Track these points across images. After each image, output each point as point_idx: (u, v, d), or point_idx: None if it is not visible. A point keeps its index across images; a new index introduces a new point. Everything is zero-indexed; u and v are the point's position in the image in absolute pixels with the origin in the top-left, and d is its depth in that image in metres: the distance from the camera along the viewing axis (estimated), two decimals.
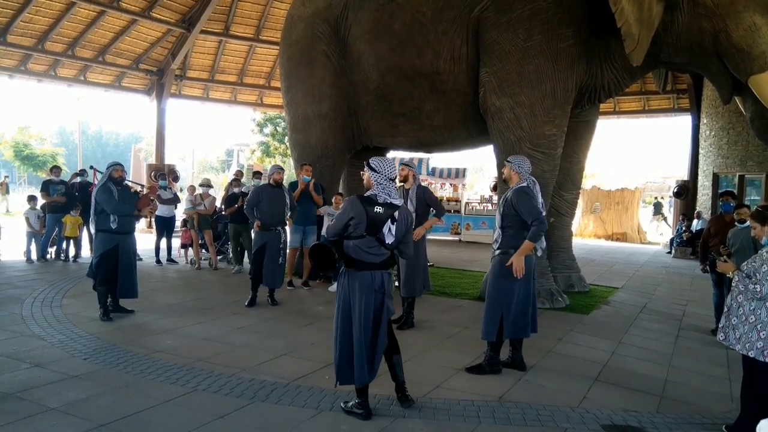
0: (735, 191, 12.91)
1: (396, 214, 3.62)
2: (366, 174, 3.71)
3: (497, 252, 4.67)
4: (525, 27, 7.07)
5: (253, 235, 7.53)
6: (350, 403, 3.73)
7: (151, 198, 6.84)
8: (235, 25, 15.91)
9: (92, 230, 6.32)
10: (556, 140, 7.29)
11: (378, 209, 3.57)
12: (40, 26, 13.13)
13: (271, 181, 7.16)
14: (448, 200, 16.34)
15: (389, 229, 3.60)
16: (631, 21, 6.29)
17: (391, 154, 12.89)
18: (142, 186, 7.12)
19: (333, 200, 8.66)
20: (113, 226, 6.01)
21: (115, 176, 6.15)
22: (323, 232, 8.35)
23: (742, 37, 6.14)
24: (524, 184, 4.60)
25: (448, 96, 7.92)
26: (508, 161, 4.74)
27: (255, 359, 4.81)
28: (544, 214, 4.62)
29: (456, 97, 7.88)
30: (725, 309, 3.67)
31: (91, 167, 8.00)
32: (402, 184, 6.27)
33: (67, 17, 13.13)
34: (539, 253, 4.85)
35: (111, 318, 6.04)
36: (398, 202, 3.66)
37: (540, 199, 4.66)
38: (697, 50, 6.61)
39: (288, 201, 7.14)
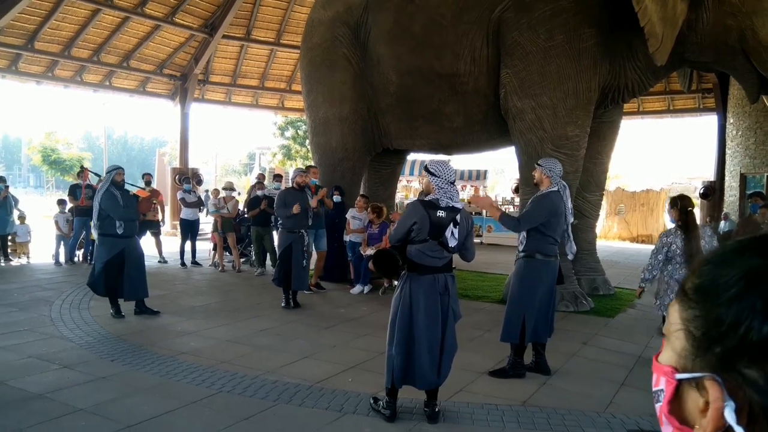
0: (764, 192, 12.62)
1: (458, 217, 3.61)
2: (425, 179, 3.69)
3: (521, 255, 4.64)
4: (546, 27, 7.01)
5: (276, 238, 7.56)
6: (380, 402, 3.73)
7: (153, 201, 6.85)
8: (257, 30, 16.04)
9: (94, 235, 6.33)
10: (579, 141, 7.21)
11: (440, 213, 3.55)
12: (67, 33, 13.39)
13: (294, 185, 7.20)
14: (469, 202, 16.26)
15: (452, 232, 3.58)
16: (655, 20, 6.19)
17: (411, 157, 12.93)
18: (143, 188, 7.16)
19: (356, 203, 8.69)
20: (119, 231, 6.06)
21: (118, 180, 6.19)
22: (346, 236, 8.41)
23: None
24: (555, 189, 4.55)
25: (468, 97, 7.89)
26: (539, 164, 4.69)
27: (278, 361, 4.84)
28: (531, 225, 4.56)
29: (476, 98, 7.84)
30: None
31: (82, 168, 8.07)
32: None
33: (92, 24, 13.36)
34: (569, 257, 4.81)
35: (123, 316, 6.17)
36: (459, 205, 3.65)
37: (570, 204, 4.62)
38: (723, 49, 6.49)
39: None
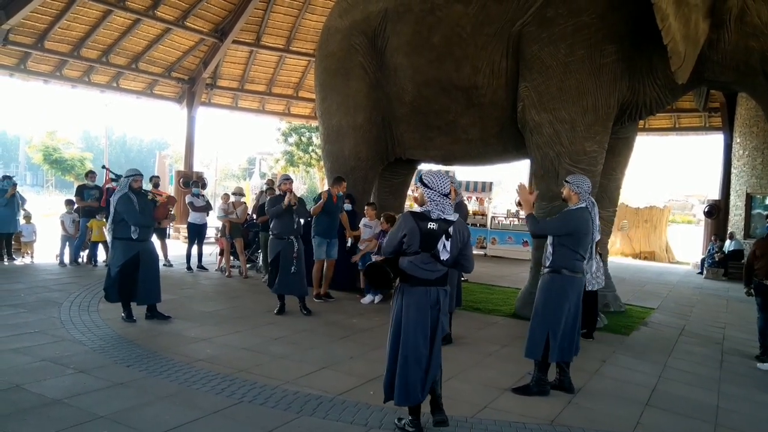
0: None
1: (451, 229, 3.55)
2: (418, 190, 3.65)
3: (547, 270, 4.59)
4: (567, 42, 7.00)
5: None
6: (403, 421, 3.66)
7: (169, 208, 6.81)
8: (267, 36, 16.06)
9: (108, 238, 6.26)
10: (597, 157, 7.18)
11: (431, 225, 3.50)
12: (77, 33, 13.37)
13: (280, 192, 7.14)
14: (474, 214, 16.24)
15: (444, 245, 3.52)
16: (678, 38, 6.20)
17: (421, 167, 12.89)
18: (161, 193, 7.08)
19: (365, 211, 8.64)
20: (134, 236, 6.00)
21: (135, 187, 6.14)
22: (358, 243, 8.34)
23: None
24: (583, 205, 4.52)
25: (485, 110, 7.86)
26: (567, 181, 4.65)
27: (296, 371, 4.76)
28: (549, 233, 4.59)
29: (493, 111, 7.82)
30: None
31: (103, 167, 8.03)
32: None
33: (103, 25, 13.36)
34: (588, 275, 4.77)
35: (135, 320, 6.10)
36: (453, 217, 3.59)
37: (597, 221, 4.59)
38: (744, 69, 6.49)
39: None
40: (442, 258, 3.57)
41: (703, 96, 8.36)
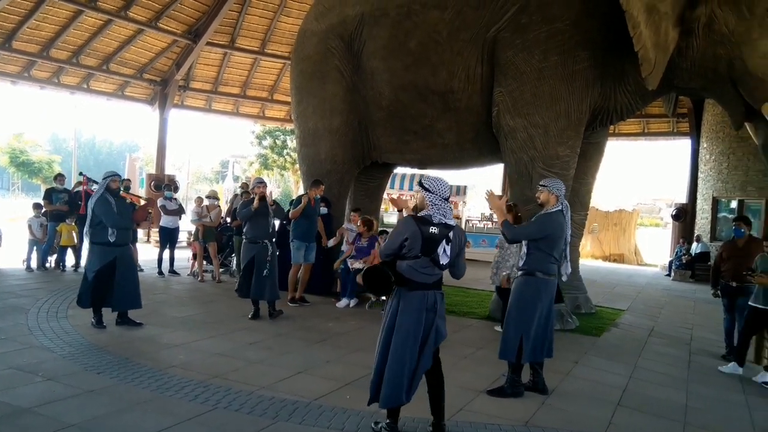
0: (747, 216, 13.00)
1: (451, 234, 3.56)
2: (419, 194, 3.63)
3: (520, 273, 4.65)
4: (541, 48, 7.11)
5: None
6: (380, 425, 3.66)
7: (149, 211, 6.69)
8: (241, 38, 15.93)
9: (86, 242, 6.13)
10: (569, 161, 7.31)
11: (433, 230, 3.50)
12: (46, 33, 13.07)
13: (253, 195, 7.10)
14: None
15: (444, 249, 3.53)
16: (649, 46, 6.35)
17: (397, 170, 12.94)
18: (139, 197, 6.97)
19: (350, 216, 8.64)
20: (111, 239, 5.88)
21: (113, 187, 6.02)
22: (344, 248, 8.32)
23: (757, 65, 6.21)
24: (559, 209, 4.60)
25: (460, 115, 7.94)
26: (543, 185, 4.73)
27: (272, 376, 4.72)
28: (525, 238, 4.65)
29: (469, 116, 7.90)
30: None
31: (81, 174, 7.87)
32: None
33: (73, 25, 13.08)
34: (564, 278, 4.85)
35: (105, 326, 5.97)
36: (453, 222, 3.60)
37: (570, 225, 4.67)
38: (712, 76, 6.68)
39: (271, 212, 7.01)
40: (441, 262, 3.57)
41: (672, 102, 8.56)
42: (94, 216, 5.87)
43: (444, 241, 3.52)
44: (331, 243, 8.48)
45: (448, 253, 3.56)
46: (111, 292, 5.95)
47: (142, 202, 6.62)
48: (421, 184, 3.64)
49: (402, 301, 3.55)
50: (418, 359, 3.55)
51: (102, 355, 5.07)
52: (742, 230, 6.48)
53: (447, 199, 3.60)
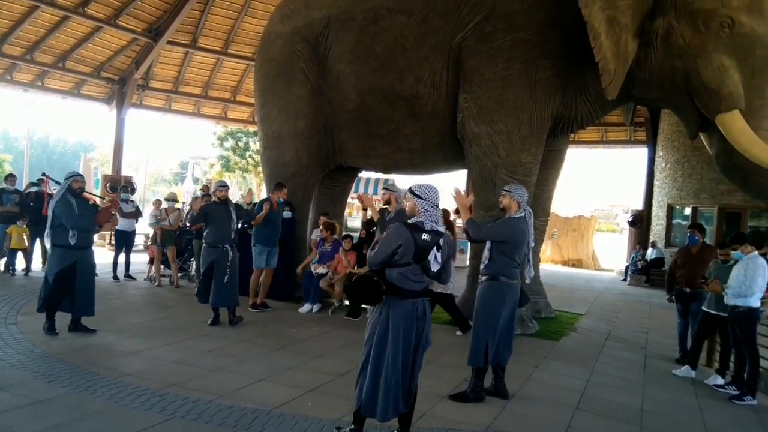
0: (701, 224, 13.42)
1: (441, 241, 3.54)
2: (410, 201, 3.58)
3: (485, 278, 4.68)
4: (505, 57, 7.20)
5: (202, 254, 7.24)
6: (344, 430, 3.61)
7: (112, 212, 6.50)
8: (203, 38, 15.67)
9: (47, 244, 5.93)
10: (531, 168, 7.42)
11: (425, 237, 3.46)
12: None
13: (215, 198, 6.98)
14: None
15: (435, 256, 3.50)
16: (609, 56, 6.49)
17: (361, 174, 12.91)
18: (102, 198, 6.74)
19: (319, 222, 8.56)
20: (72, 241, 5.68)
21: (75, 188, 5.82)
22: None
23: (711, 78, 6.42)
24: (522, 215, 4.66)
25: (426, 120, 7.97)
26: (507, 191, 4.78)
27: (232, 384, 4.62)
28: (488, 238, 4.70)
29: (434, 121, 7.93)
30: None
31: (44, 175, 7.60)
32: (386, 206, 6.25)
33: (28, 21, 12.63)
34: (527, 281, 4.91)
35: (57, 333, 5.74)
36: (443, 229, 3.58)
37: (532, 231, 4.72)
38: (669, 87, 6.87)
39: (234, 217, 6.91)
40: (432, 269, 3.54)
41: (630, 111, 8.78)
42: (54, 217, 5.67)
43: (435, 248, 3.50)
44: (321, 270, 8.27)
45: (440, 260, 3.54)
46: (70, 297, 5.76)
47: (105, 204, 6.40)
48: (412, 191, 3.59)
49: (392, 310, 3.47)
50: (413, 368, 3.53)
51: (53, 363, 4.86)
52: (696, 237, 6.69)
53: (437, 206, 3.57)
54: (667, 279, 7.06)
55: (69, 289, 5.75)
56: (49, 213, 5.73)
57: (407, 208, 3.63)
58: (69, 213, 5.65)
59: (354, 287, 3.61)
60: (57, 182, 6.46)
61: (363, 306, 7.25)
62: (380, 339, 3.49)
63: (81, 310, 5.88)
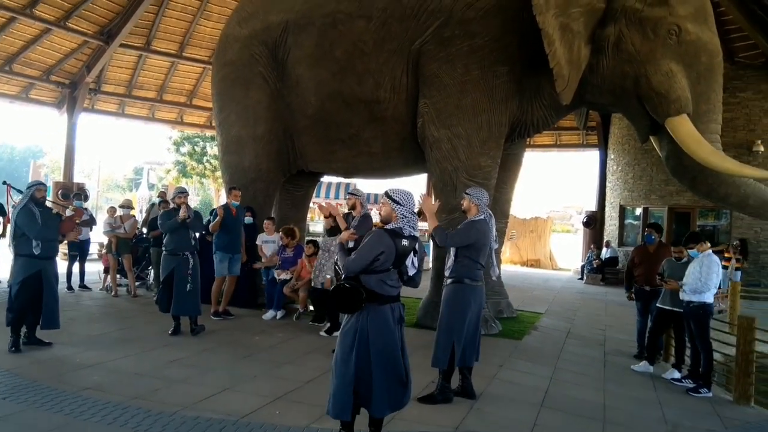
0: (658, 223, 13.91)
1: (416, 246, 3.57)
2: (387, 206, 3.57)
3: (450, 281, 4.74)
4: (463, 62, 7.32)
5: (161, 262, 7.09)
6: None
7: (77, 221, 6.35)
8: (158, 41, 15.35)
9: (11, 254, 5.74)
10: (491, 171, 7.54)
11: (404, 242, 3.48)
12: None
13: (174, 205, 6.87)
14: (377, 226, 16.37)
15: (412, 261, 3.53)
16: (563, 62, 6.67)
17: (323, 179, 12.86)
18: (66, 207, 6.56)
19: (264, 225, 8.46)
20: (36, 251, 5.52)
21: (38, 197, 5.67)
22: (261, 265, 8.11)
23: (660, 83, 6.68)
24: (482, 217, 4.73)
25: (387, 124, 8.01)
26: (467, 194, 4.86)
27: (196, 395, 4.53)
28: (457, 244, 4.73)
29: (395, 125, 7.98)
30: None
31: (5, 182, 7.34)
32: (351, 211, 6.26)
33: None
34: (494, 278, 4.99)
35: (21, 350, 5.52)
36: (418, 234, 3.61)
37: (494, 233, 4.81)
38: (620, 92, 7.11)
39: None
40: (409, 274, 3.57)
41: (583, 116, 9.04)
42: (17, 227, 5.51)
43: (412, 253, 3.54)
44: (258, 265, 8.27)
45: (416, 264, 3.58)
46: (37, 309, 5.58)
47: (69, 212, 6.22)
48: (389, 196, 3.58)
49: (371, 317, 3.44)
50: (406, 367, 3.55)
51: (9, 378, 4.68)
52: (653, 237, 6.93)
53: (414, 212, 3.59)
54: (625, 277, 7.30)
55: (35, 302, 5.58)
56: (12, 223, 5.57)
57: (383, 213, 3.63)
58: (32, 222, 5.48)
59: (334, 296, 3.54)
60: (19, 191, 6.27)
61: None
62: (359, 346, 3.43)
63: (46, 323, 5.68)
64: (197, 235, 7.00)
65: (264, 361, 5.66)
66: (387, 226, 3.55)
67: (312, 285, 7.37)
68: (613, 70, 6.93)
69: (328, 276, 6.97)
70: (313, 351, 6.08)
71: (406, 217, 3.54)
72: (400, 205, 3.55)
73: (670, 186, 13.84)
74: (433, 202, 4.86)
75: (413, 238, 3.55)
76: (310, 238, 9.43)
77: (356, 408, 3.50)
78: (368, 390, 3.45)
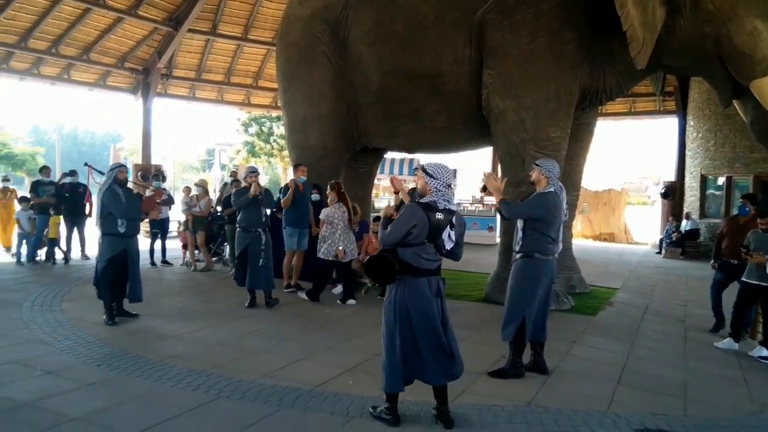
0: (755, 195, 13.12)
1: (454, 219, 3.57)
2: (421, 180, 3.59)
3: (519, 255, 4.66)
4: (528, 30, 7.06)
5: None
6: (379, 408, 3.67)
7: (157, 201, 6.72)
8: (223, 24, 15.69)
9: (97, 234, 6.13)
10: (560, 142, 7.30)
11: (439, 216, 3.49)
12: (24, 23, 12.77)
13: (246, 184, 7.06)
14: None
15: (449, 234, 3.54)
16: (636, 24, 6.31)
17: (387, 155, 12.90)
18: (146, 188, 6.96)
19: (328, 202, 8.55)
20: (122, 230, 5.89)
21: (120, 178, 6.03)
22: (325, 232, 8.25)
23: (744, 42, 6.19)
24: (552, 189, 4.60)
25: (450, 98, 7.89)
26: (537, 164, 4.73)
27: (273, 364, 4.72)
28: (522, 217, 4.66)
29: (458, 99, 7.85)
30: None
31: (86, 164, 7.80)
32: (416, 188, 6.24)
33: (51, 15, 12.79)
34: (555, 255, 4.87)
35: (116, 322, 5.89)
36: (455, 207, 3.60)
37: (565, 207, 4.68)
38: (699, 54, 6.66)
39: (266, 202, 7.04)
40: (446, 247, 3.59)
41: (659, 81, 8.56)
42: (103, 207, 5.87)
43: (448, 226, 3.52)
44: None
45: (453, 238, 3.58)
46: (123, 284, 6.00)
47: (149, 193, 6.59)
48: (424, 170, 3.59)
49: (408, 289, 3.52)
50: (448, 338, 3.62)
51: (99, 348, 5.03)
52: (747, 208, 6.52)
53: (449, 185, 3.58)
54: (715, 247, 6.96)
55: (121, 277, 5.97)
56: (98, 203, 5.93)
57: (418, 187, 3.63)
58: (117, 203, 5.84)
59: (368, 267, 3.66)
60: (100, 172, 6.67)
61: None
62: (400, 318, 3.55)
63: (132, 296, 6.08)
64: (268, 212, 7.21)
65: (335, 333, 5.81)
66: (421, 200, 3.55)
67: (317, 256, 7.35)
68: (691, 31, 6.49)
69: (341, 248, 7.08)
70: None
71: (440, 190, 3.52)
72: (434, 178, 3.53)
73: (756, 153, 12.91)
74: (498, 178, 4.77)
75: (449, 212, 3.53)
76: (376, 214, 9.49)
77: (407, 380, 3.60)
78: (419, 359, 3.54)
